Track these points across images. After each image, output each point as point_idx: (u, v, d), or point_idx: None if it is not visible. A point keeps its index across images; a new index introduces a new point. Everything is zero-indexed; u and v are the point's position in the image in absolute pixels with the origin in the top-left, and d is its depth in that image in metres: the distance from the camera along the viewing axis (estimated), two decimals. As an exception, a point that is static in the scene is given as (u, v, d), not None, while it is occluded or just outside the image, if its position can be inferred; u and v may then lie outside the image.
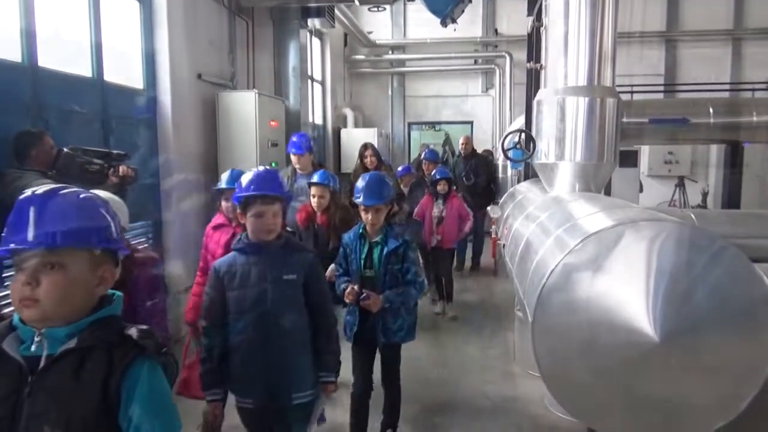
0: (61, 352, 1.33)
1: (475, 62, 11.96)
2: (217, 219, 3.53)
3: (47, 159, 3.26)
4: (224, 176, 3.50)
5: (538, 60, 3.63)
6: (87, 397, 1.32)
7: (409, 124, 12.69)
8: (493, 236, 4.56)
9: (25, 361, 1.32)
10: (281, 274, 2.42)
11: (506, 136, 3.46)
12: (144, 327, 1.43)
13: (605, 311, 1.96)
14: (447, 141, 13.21)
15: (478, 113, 12.37)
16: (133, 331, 1.39)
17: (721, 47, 11.10)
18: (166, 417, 1.41)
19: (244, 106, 5.74)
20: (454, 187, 6.50)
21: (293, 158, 4.80)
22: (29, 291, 1.30)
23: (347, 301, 3.07)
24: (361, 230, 3.19)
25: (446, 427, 3.78)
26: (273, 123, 6.11)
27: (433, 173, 6.30)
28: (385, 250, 3.10)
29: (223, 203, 3.45)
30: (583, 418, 2.19)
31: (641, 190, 8.60)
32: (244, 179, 2.49)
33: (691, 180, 10.53)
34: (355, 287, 3.03)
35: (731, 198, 7.69)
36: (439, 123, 12.73)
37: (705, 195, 9.34)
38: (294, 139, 4.88)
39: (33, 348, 1.33)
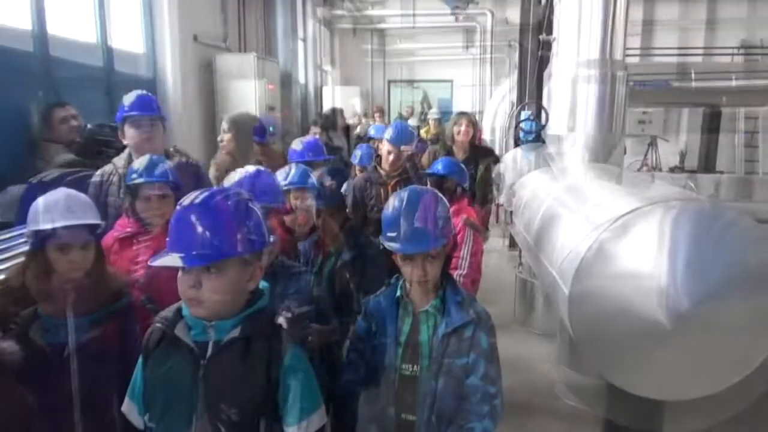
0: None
1: (456, 19, 11.87)
2: None
3: (70, 133, 3.24)
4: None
5: (550, 32, 3.73)
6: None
7: (389, 82, 12.68)
8: (496, 202, 4.55)
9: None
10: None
11: (520, 109, 3.56)
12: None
13: (629, 289, 2.10)
14: (425, 98, 13.25)
15: (458, 73, 12.41)
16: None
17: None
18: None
19: (242, 70, 5.62)
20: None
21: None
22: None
23: None
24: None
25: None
26: (270, 86, 6.02)
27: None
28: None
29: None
30: (612, 379, 2.37)
31: (625, 153, 8.79)
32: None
33: (663, 139, 10.80)
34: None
35: (708, 159, 8.04)
36: (418, 81, 12.74)
37: (683, 156, 9.62)
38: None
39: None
